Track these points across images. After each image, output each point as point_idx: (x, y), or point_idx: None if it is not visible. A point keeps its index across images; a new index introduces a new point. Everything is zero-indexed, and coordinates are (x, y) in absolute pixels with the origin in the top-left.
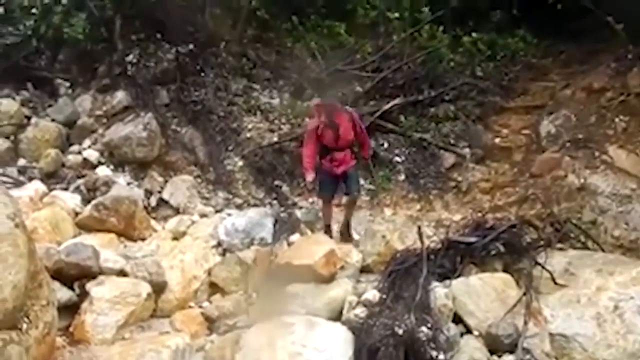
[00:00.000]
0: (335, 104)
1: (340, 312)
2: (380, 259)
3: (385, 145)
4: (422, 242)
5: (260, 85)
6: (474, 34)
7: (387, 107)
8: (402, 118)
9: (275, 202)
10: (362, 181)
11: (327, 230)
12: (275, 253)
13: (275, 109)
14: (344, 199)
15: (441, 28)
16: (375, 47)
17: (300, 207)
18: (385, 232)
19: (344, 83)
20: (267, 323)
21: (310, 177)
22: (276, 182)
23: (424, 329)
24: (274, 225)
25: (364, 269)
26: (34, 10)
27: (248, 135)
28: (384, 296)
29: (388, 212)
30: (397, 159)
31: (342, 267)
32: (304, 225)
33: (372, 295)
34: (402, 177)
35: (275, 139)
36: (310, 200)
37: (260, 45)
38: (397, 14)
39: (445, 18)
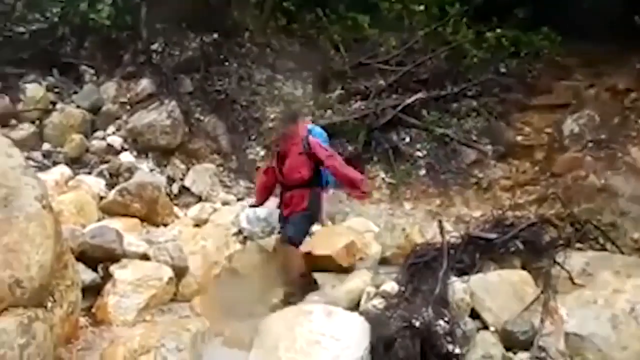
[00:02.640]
0: (291, 126)
1: (359, 303)
2: (399, 252)
3: (407, 139)
4: (442, 236)
5: (284, 76)
6: (498, 30)
7: (409, 101)
8: (424, 113)
9: None
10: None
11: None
12: None
13: (298, 100)
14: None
15: (466, 23)
16: (400, 40)
17: None
18: (405, 226)
19: (367, 76)
20: (286, 311)
21: (250, 202)
22: None
23: (441, 322)
24: None
25: (383, 261)
26: None
27: (270, 125)
28: (403, 288)
29: (408, 206)
30: (418, 153)
31: (361, 259)
32: (325, 216)
33: (391, 287)
34: (422, 171)
35: None
36: (331, 191)
37: (284, 36)
38: (422, 8)
39: (470, 13)
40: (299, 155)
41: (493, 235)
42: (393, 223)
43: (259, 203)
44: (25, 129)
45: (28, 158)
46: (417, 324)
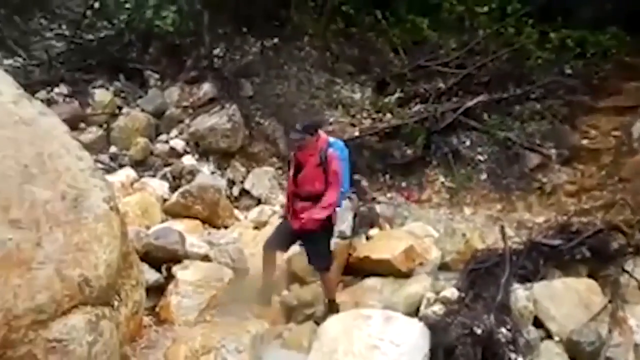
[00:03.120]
0: (297, 139)
1: (418, 308)
2: (459, 257)
3: (468, 143)
4: (505, 241)
5: (343, 80)
6: (563, 30)
7: (470, 104)
8: (485, 116)
9: (354, 196)
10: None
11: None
12: (354, 246)
13: (356, 104)
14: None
15: (529, 23)
16: (460, 42)
17: (379, 202)
18: (465, 231)
19: (427, 79)
20: (345, 314)
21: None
22: (355, 177)
23: (503, 330)
24: (353, 219)
25: (443, 267)
26: (127, 5)
27: (330, 129)
28: (463, 295)
29: (468, 211)
30: (479, 157)
31: (420, 264)
32: (383, 220)
33: (451, 293)
34: (483, 176)
35: (356, 134)
36: (389, 195)
37: (343, 40)
38: (484, 9)
39: (533, 13)
40: (316, 168)
41: (558, 242)
42: (453, 228)
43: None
44: (93, 132)
45: (96, 160)
46: (479, 331)
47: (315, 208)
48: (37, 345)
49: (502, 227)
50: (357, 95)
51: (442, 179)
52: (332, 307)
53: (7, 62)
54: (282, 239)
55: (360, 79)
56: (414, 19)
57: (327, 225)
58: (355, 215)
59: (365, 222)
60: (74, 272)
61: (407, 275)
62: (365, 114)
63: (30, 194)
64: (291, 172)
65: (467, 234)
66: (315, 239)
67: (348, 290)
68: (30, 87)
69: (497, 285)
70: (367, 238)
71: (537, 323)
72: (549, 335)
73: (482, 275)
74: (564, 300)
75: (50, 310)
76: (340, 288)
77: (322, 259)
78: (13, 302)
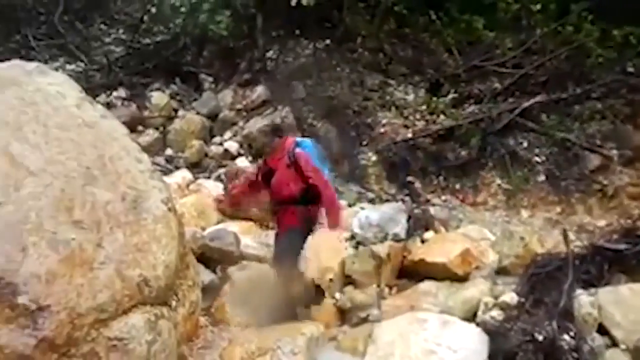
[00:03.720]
0: (277, 140)
1: (475, 313)
2: (518, 261)
3: (525, 144)
4: (567, 245)
5: (396, 81)
6: (625, 27)
7: (527, 104)
8: (543, 116)
9: (407, 198)
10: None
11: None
12: (408, 249)
13: (410, 105)
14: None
15: (589, 20)
16: (516, 41)
17: (434, 204)
18: (523, 234)
19: (482, 79)
20: (400, 318)
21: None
22: (409, 178)
23: (566, 337)
24: (408, 221)
25: (501, 271)
26: (183, 10)
27: (382, 130)
28: (523, 300)
29: (525, 213)
30: (537, 159)
31: (477, 267)
32: (437, 223)
33: (510, 297)
34: (541, 177)
35: (410, 135)
36: (443, 197)
37: (396, 40)
38: (540, 7)
39: (593, 10)
40: (287, 169)
41: (622, 246)
42: (510, 231)
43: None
44: (150, 135)
45: (153, 162)
46: (541, 337)
47: (328, 209)
48: (99, 343)
49: (565, 231)
50: (411, 97)
51: (498, 181)
52: (307, 297)
53: (69, 67)
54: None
55: (414, 80)
56: (469, 18)
57: (310, 222)
58: (409, 218)
59: (419, 224)
60: (133, 272)
61: (463, 279)
62: (418, 116)
63: (92, 195)
64: (261, 181)
65: (525, 238)
66: (288, 232)
67: (403, 294)
68: (91, 91)
69: (560, 291)
70: (422, 241)
71: (602, 330)
72: (614, 343)
73: (543, 280)
74: (631, 306)
75: (111, 310)
76: (395, 291)
77: (287, 252)
78: (76, 300)
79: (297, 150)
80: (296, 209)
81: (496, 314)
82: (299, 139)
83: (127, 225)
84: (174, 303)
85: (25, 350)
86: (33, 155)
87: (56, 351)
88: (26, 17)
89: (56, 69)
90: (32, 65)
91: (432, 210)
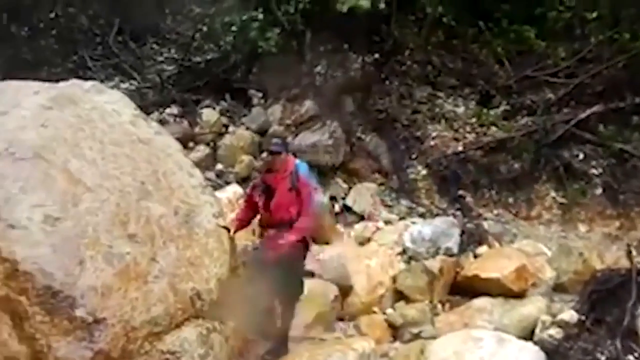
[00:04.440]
0: (277, 156)
1: (532, 331)
2: (576, 278)
3: (581, 156)
4: (631, 261)
5: (445, 93)
6: None
7: (583, 115)
8: (600, 127)
9: (458, 212)
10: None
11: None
12: (461, 264)
13: (460, 117)
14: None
15: None
16: (570, 50)
17: (486, 219)
18: (582, 250)
19: (534, 90)
20: (454, 335)
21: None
22: (460, 192)
23: (630, 357)
24: (461, 236)
25: (558, 287)
26: (233, 28)
27: (432, 143)
28: (583, 318)
29: (582, 228)
30: (594, 171)
31: (533, 284)
32: (491, 238)
33: (569, 315)
34: (598, 191)
35: (460, 148)
36: (496, 211)
37: (445, 52)
38: (595, 14)
39: None
40: (289, 192)
41: None
42: (568, 246)
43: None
44: (201, 151)
45: (205, 178)
46: (603, 358)
47: (290, 231)
48: (152, 356)
49: (629, 246)
50: (461, 109)
51: (553, 194)
52: (283, 345)
53: (123, 85)
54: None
55: (464, 92)
56: (519, 28)
57: (304, 250)
58: (461, 232)
59: (472, 239)
60: (186, 286)
61: (519, 295)
62: (469, 128)
63: (146, 210)
64: (257, 199)
65: (584, 253)
66: (290, 261)
67: (456, 310)
68: (144, 109)
69: (623, 309)
70: (475, 256)
71: None
72: None
73: (604, 297)
74: None
75: (165, 323)
76: (448, 308)
77: (296, 287)
78: (131, 314)
79: (301, 174)
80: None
81: (554, 332)
82: (297, 160)
83: (179, 239)
84: (225, 317)
85: None
86: (90, 171)
87: None
88: (83, 38)
89: (111, 88)
90: (89, 84)
91: (485, 224)
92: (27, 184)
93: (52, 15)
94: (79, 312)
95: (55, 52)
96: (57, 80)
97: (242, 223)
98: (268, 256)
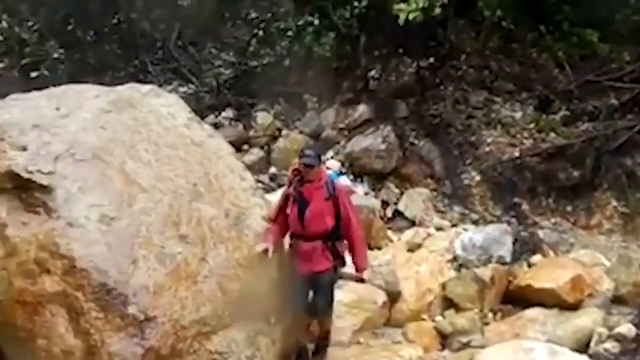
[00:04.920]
0: (312, 165)
1: (587, 344)
2: (636, 290)
3: None
4: None
5: (502, 98)
6: None
7: None
8: None
9: (513, 220)
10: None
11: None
12: (514, 273)
13: (517, 123)
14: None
15: None
16: (635, 54)
17: (542, 227)
18: None
19: (596, 95)
20: (504, 345)
21: (260, 247)
22: (515, 199)
23: None
24: (514, 244)
25: (616, 300)
26: (289, 33)
27: (487, 149)
28: None
29: None
30: None
31: (590, 295)
32: (546, 247)
33: (627, 329)
34: None
35: (517, 154)
36: (553, 220)
37: (502, 57)
38: None
39: None
40: (325, 202)
41: None
42: (629, 257)
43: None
44: (255, 154)
45: (257, 180)
46: None
47: (358, 249)
48: (200, 356)
49: None
50: (518, 114)
51: (614, 203)
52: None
53: (181, 89)
54: (302, 291)
55: (521, 97)
56: (581, 31)
57: (340, 262)
58: (515, 240)
59: (526, 247)
60: (234, 287)
61: (574, 307)
62: (526, 134)
63: (198, 211)
64: (290, 210)
65: None
66: (329, 278)
67: (507, 320)
68: (200, 112)
69: None
70: (529, 265)
71: None
72: None
73: None
74: None
75: (213, 323)
76: (499, 317)
77: (329, 302)
78: (180, 313)
79: (337, 182)
80: (326, 249)
81: (611, 346)
82: (329, 171)
83: (229, 240)
84: (273, 319)
85: (134, 359)
86: (145, 173)
87: None
88: (144, 43)
89: (170, 92)
90: (147, 87)
91: (540, 233)
92: (86, 184)
93: (115, 20)
94: (131, 310)
95: (118, 56)
96: (119, 84)
97: (278, 239)
98: (304, 270)
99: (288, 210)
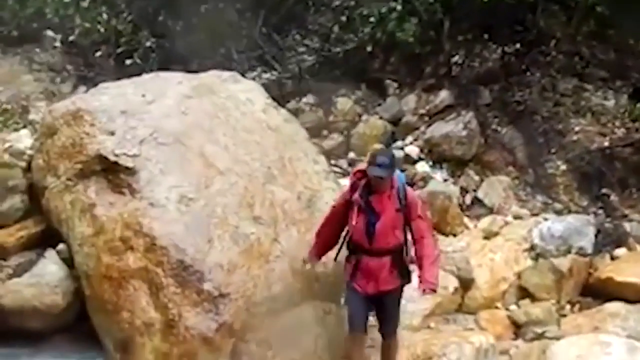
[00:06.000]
0: (385, 172)
1: None
2: None
3: None
4: None
5: (593, 86)
6: None
7: None
8: None
9: (600, 211)
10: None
11: None
12: (594, 265)
13: (608, 111)
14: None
15: None
16: None
17: (631, 220)
18: None
19: None
20: (580, 338)
21: (309, 264)
22: (603, 190)
23: None
24: (596, 236)
25: None
26: (372, 19)
27: (574, 138)
28: None
29: None
30: None
31: None
32: (633, 240)
33: None
34: None
35: (607, 144)
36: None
37: (596, 43)
38: None
39: None
40: (396, 213)
41: None
42: None
43: (317, 256)
44: (334, 139)
45: (335, 165)
46: None
47: (430, 265)
48: (272, 332)
49: None
50: (610, 103)
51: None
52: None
53: (265, 75)
54: (360, 312)
55: (615, 85)
56: None
57: (408, 279)
58: (598, 232)
59: (609, 240)
60: (305, 268)
61: None
62: (618, 123)
63: (271, 194)
64: (355, 220)
65: None
66: (395, 299)
67: (585, 313)
68: (282, 98)
69: None
70: (612, 258)
71: None
72: None
73: None
74: None
75: (284, 301)
76: (576, 309)
77: (396, 322)
78: (252, 290)
79: (409, 191)
80: (395, 267)
81: None
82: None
83: (301, 222)
84: (342, 300)
85: (208, 333)
86: (222, 156)
87: (234, 335)
88: (230, 31)
89: (253, 79)
90: (228, 74)
91: (627, 225)
92: (167, 167)
93: (203, 9)
94: (207, 286)
95: (205, 45)
96: (205, 72)
97: (327, 245)
98: (368, 289)
99: (353, 221)
